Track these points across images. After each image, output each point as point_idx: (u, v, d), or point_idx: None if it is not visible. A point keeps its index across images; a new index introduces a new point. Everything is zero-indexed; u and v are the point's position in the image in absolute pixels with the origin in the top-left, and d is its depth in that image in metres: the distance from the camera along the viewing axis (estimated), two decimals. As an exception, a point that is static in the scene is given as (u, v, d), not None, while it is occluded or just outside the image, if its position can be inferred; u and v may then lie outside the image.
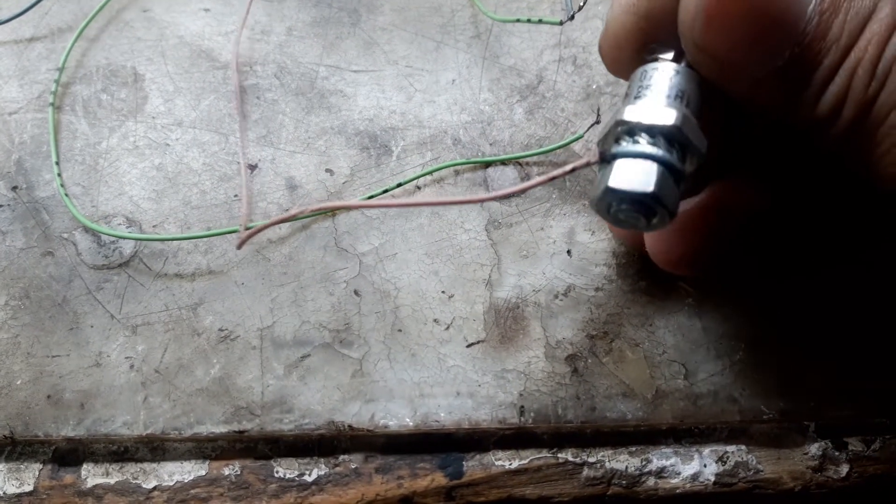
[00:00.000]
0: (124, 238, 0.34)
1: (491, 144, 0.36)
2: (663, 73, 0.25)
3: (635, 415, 0.31)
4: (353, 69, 0.38)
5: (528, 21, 0.35)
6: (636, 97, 0.25)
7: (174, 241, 0.34)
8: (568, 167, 0.25)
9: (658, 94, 0.24)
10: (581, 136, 0.35)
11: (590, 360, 0.32)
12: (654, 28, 0.25)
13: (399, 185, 0.34)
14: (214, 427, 0.30)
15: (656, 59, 0.25)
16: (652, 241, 0.29)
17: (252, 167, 0.36)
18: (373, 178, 0.35)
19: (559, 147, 0.35)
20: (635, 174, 0.23)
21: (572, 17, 0.32)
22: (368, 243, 0.34)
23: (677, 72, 0.25)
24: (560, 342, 0.32)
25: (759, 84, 0.23)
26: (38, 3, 0.40)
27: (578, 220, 0.34)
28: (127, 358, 0.31)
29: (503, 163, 0.36)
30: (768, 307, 0.32)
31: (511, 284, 0.33)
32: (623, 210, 0.24)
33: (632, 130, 0.24)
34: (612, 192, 0.24)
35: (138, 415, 0.31)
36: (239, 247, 0.29)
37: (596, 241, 0.34)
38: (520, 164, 0.36)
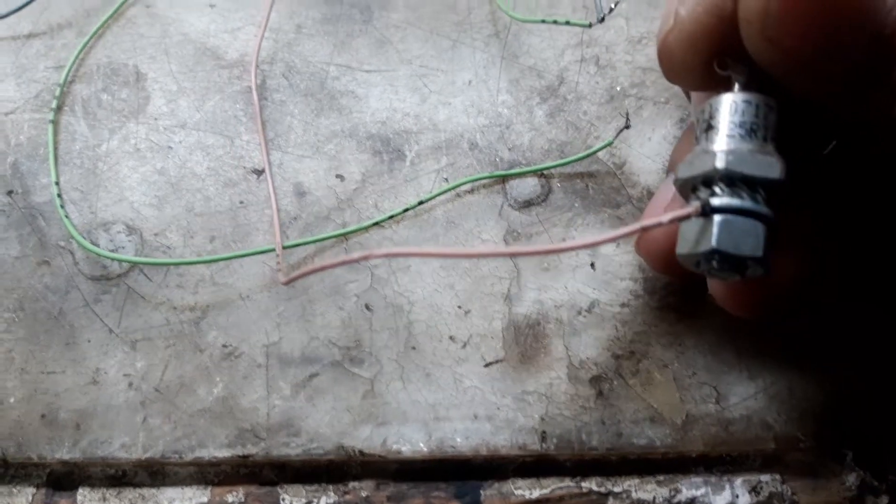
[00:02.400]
0: (132, 262, 0.31)
1: (510, 149, 0.34)
2: (759, 108, 0.23)
3: (664, 441, 0.29)
4: (364, 69, 0.37)
5: (555, 22, 0.33)
6: (729, 136, 0.23)
7: (177, 251, 0.32)
8: (666, 217, 0.22)
9: (757, 137, 0.22)
10: (611, 143, 0.33)
11: (615, 382, 0.30)
12: (737, 36, 0.22)
13: (420, 202, 0.32)
14: (217, 451, 0.29)
15: (729, 77, 0.23)
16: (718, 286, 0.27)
17: (258, 172, 0.34)
18: (385, 184, 0.34)
19: (589, 155, 0.33)
20: (743, 235, 0.22)
21: (602, 20, 0.30)
22: (380, 254, 0.32)
23: (771, 106, 0.23)
24: (584, 362, 0.30)
25: (831, 81, 0.21)
26: (36, -3, 0.38)
27: (602, 230, 0.33)
28: (126, 375, 0.30)
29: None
30: (805, 328, 0.30)
31: (531, 299, 0.31)
32: (718, 267, 0.22)
33: (730, 179, 0.22)
34: (715, 253, 0.22)
35: (137, 436, 0.29)
36: (287, 283, 0.28)
37: (621, 253, 0.32)
38: (542, 173, 0.34)
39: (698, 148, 0.24)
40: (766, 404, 0.30)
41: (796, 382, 0.30)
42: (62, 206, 0.32)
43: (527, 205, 0.33)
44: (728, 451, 0.29)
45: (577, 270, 0.32)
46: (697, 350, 0.30)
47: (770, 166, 0.22)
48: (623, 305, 0.31)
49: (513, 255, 0.31)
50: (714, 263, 0.22)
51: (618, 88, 0.36)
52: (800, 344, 0.30)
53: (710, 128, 0.23)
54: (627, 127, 0.32)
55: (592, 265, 0.32)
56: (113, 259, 0.31)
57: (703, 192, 0.23)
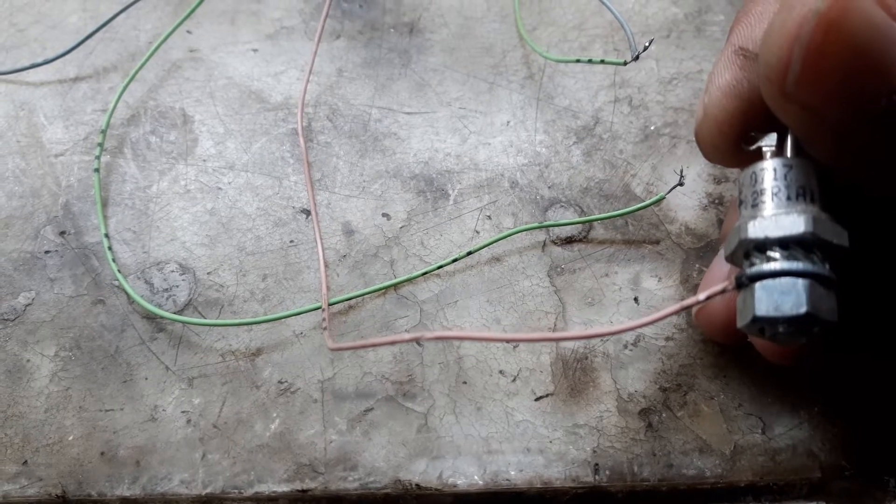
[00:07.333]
0: (175, 320, 0.32)
1: (549, 187, 0.36)
2: (776, 171, 0.23)
3: (713, 471, 0.30)
4: (405, 111, 0.38)
5: (590, 61, 0.34)
6: (754, 205, 0.24)
7: (230, 290, 0.33)
8: (702, 296, 0.23)
9: (779, 198, 0.23)
10: (663, 198, 0.33)
11: (664, 415, 0.30)
12: (760, 112, 0.23)
13: (469, 252, 0.33)
14: (276, 486, 0.29)
15: (759, 150, 0.24)
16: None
17: (307, 212, 0.35)
18: (430, 222, 0.35)
19: (642, 208, 0.33)
20: (782, 295, 0.22)
21: (637, 58, 0.31)
22: (428, 290, 0.33)
23: (789, 166, 0.23)
24: (632, 395, 0.31)
25: (850, 139, 0.22)
26: (82, 42, 0.39)
27: (643, 265, 0.34)
28: (183, 412, 0.30)
29: (563, 208, 0.35)
30: (846, 357, 0.31)
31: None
32: (780, 332, 0.23)
33: (761, 246, 0.23)
34: (761, 320, 0.22)
35: (196, 472, 0.29)
36: (334, 350, 0.29)
37: (663, 287, 0.33)
38: (582, 210, 0.35)
39: (735, 225, 0.25)
40: (811, 434, 0.30)
41: (838, 412, 0.31)
42: (114, 262, 0.33)
43: (569, 241, 0.34)
44: (775, 480, 0.30)
45: (622, 305, 0.33)
46: (742, 382, 0.31)
47: (793, 223, 0.22)
48: (668, 339, 0.32)
49: (556, 340, 0.31)
50: (779, 329, 0.23)
51: (651, 128, 0.37)
52: (839, 374, 0.31)
53: (741, 203, 0.24)
54: (681, 184, 0.33)
55: (636, 299, 0.33)
56: (165, 318, 0.32)
57: (745, 264, 0.24)
